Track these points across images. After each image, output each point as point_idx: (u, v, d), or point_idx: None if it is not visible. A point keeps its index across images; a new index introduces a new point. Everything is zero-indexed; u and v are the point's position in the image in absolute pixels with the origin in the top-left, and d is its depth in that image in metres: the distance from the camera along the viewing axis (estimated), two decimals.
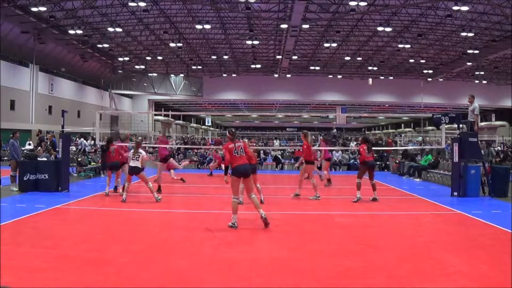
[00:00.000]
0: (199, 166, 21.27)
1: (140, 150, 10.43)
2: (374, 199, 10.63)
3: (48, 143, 17.09)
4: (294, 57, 36.10)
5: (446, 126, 13.06)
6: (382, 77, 42.22)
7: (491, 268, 5.30)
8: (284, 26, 25.93)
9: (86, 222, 7.89)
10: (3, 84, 24.80)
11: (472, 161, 11.91)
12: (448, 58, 36.33)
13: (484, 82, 42.76)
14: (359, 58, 37.34)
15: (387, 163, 21.12)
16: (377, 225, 8.00)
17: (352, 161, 21.12)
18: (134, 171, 10.26)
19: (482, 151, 14.56)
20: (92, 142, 19.25)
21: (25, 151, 14.33)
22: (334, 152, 21.66)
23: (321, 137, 18.77)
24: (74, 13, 25.07)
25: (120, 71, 40.33)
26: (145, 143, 21.67)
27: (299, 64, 40.36)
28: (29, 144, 21.43)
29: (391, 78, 42.80)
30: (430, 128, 54.28)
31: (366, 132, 78.05)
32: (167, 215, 8.93)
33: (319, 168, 15.08)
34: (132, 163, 10.29)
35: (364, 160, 10.86)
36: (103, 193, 11.28)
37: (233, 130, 8.12)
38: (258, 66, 40.16)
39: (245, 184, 7.53)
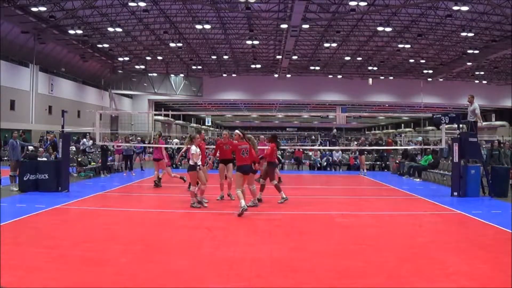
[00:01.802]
0: None
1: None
2: (259, 200, 9.98)
3: (48, 143, 17.08)
4: (294, 57, 36.10)
5: (446, 126, 13.06)
6: (382, 77, 42.23)
7: (491, 268, 5.30)
8: (284, 26, 25.93)
9: (86, 222, 7.88)
10: (3, 84, 24.82)
11: (472, 161, 11.93)
12: (448, 58, 36.34)
13: (484, 82, 42.78)
14: (359, 58, 37.34)
15: (387, 163, 21.13)
16: (377, 225, 8.00)
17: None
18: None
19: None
20: (91, 142, 19.19)
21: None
22: (334, 152, 21.69)
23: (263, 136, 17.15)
24: (74, 13, 25.07)
25: (120, 71, 40.34)
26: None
27: (299, 64, 40.37)
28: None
29: (391, 78, 42.81)
30: (430, 128, 54.31)
31: (366, 132, 78.08)
32: (167, 215, 8.92)
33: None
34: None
35: (272, 161, 10.45)
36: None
37: (243, 131, 9.21)
38: (258, 66, 40.17)
39: (247, 179, 9.02)
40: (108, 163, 17.50)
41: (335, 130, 34.54)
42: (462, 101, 36.00)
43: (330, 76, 42.86)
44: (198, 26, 26.99)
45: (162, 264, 5.30)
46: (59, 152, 11.90)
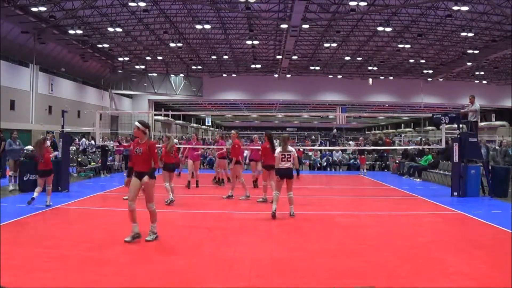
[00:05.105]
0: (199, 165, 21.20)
1: (290, 148, 8.52)
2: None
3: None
4: (294, 57, 36.05)
5: (446, 126, 13.07)
6: (382, 77, 42.19)
7: (491, 268, 5.30)
8: (284, 26, 25.90)
9: (86, 222, 7.88)
10: (3, 84, 24.79)
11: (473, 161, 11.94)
12: (448, 58, 36.31)
13: (484, 82, 42.75)
14: (359, 58, 37.32)
15: (387, 163, 21.13)
16: (377, 225, 8.00)
17: (352, 161, 21.12)
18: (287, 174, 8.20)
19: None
20: (92, 142, 19.17)
21: (25, 151, 14.34)
22: (334, 152, 21.69)
23: (255, 136, 16.34)
24: (74, 13, 25.04)
25: (120, 71, 40.30)
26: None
27: (299, 64, 40.34)
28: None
29: (391, 78, 42.77)
30: (430, 128, 54.27)
31: (366, 132, 78.07)
32: (167, 215, 8.92)
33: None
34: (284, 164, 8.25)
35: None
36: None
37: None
38: (258, 66, 40.13)
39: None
40: (108, 163, 17.50)
41: (335, 130, 34.56)
42: (462, 101, 36.00)
43: (330, 76, 42.82)
44: (198, 26, 26.96)
45: (162, 264, 5.30)
46: (59, 152, 11.90)
